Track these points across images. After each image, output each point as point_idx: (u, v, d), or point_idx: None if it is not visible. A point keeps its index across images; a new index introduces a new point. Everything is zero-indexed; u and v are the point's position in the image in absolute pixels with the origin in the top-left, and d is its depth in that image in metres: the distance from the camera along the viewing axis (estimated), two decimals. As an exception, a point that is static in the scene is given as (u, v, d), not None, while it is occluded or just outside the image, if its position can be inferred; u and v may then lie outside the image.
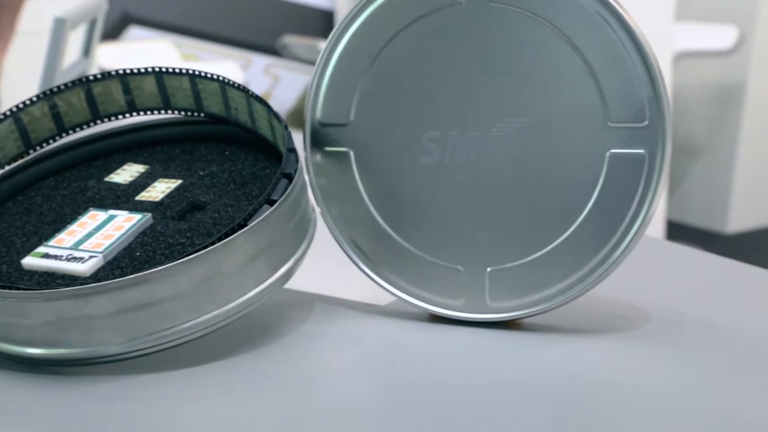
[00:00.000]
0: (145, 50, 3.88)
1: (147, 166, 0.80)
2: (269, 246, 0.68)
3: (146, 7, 4.14)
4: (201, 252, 0.64)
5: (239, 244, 0.66)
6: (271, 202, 0.68)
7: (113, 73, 0.78)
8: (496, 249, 0.71)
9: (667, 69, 2.98)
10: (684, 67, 3.58)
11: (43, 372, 0.66)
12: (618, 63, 0.67)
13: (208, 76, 0.77)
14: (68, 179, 0.80)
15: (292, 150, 0.71)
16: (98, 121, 0.81)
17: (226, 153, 0.79)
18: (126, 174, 0.79)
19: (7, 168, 0.79)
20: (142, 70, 0.78)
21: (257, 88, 4.31)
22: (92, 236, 0.70)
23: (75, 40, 1.59)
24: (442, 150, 0.71)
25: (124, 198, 0.75)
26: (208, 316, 0.66)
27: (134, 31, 4.15)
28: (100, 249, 0.68)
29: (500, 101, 0.69)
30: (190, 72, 0.78)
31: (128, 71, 0.78)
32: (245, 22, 4.43)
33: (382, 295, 0.77)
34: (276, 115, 0.73)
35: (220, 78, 0.77)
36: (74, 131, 0.81)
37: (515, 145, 0.70)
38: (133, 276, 0.63)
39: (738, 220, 3.76)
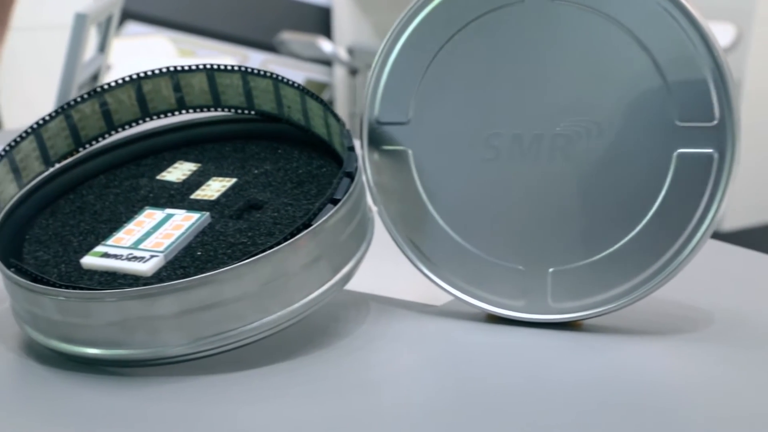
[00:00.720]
0: (141, 46, 3.87)
1: (199, 164, 0.78)
2: (332, 246, 0.67)
3: (143, 2, 4.12)
4: (267, 252, 0.63)
5: (304, 244, 0.65)
6: (335, 202, 0.67)
7: (164, 70, 0.77)
8: (558, 249, 0.70)
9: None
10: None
11: (102, 372, 0.66)
12: (686, 60, 0.66)
13: (261, 73, 0.76)
14: (119, 177, 0.78)
15: (352, 148, 0.70)
16: (147, 119, 0.80)
17: (279, 151, 0.78)
18: (178, 172, 0.78)
19: (57, 166, 0.78)
20: (193, 67, 0.77)
21: (253, 86, 4.28)
22: (151, 235, 0.69)
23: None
24: (504, 149, 0.70)
25: (178, 197, 0.74)
26: (273, 316, 0.65)
27: (131, 27, 4.13)
28: (161, 248, 0.67)
29: (564, 100, 0.69)
30: (243, 69, 0.77)
31: (179, 68, 0.77)
32: (242, 18, 4.42)
33: (437, 295, 0.76)
34: (333, 113, 0.72)
35: (274, 75, 0.76)
36: (123, 129, 0.80)
37: (579, 145, 0.69)
38: (200, 276, 0.62)
39: (735, 218, 3.76)
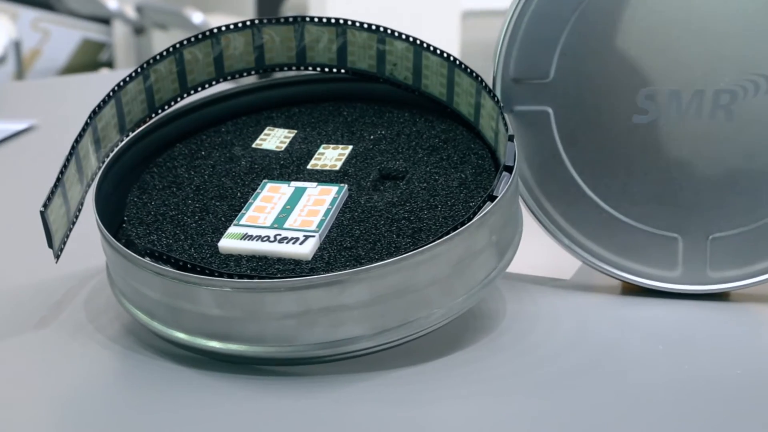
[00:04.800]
0: None
1: (294, 131, 0.69)
2: (506, 219, 0.60)
3: None
4: (461, 229, 0.55)
5: (491, 218, 0.57)
6: (509, 170, 0.60)
7: (247, 23, 0.67)
8: (718, 215, 0.65)
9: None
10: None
11: (262, 373, 0.56)
12: None
13: (363, 25, 0.67)
14: (204, 147, 0.68)
15: (502, 108, 0.63)
16: (220, 80, 0.69)
17: (387, 114, 0.69)
18: (274, 140, 0.68)
19: (131, 135, 0.67)
20: (282, 20, 0.68)
21: (25, 45, 4.03)
22: (291, 213, 0.60)
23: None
24: (659, 109, 0.65)
25: (292, 167, 0.65)
26: (458, 300, 0.57)
27: None
28: (312, 227, 0.58)
29: (729, 53, 0.63)
30: (341, 21, 0.68)
31: (264, 20, 0.68)
32: (10, -29, 4.14)
33: (560, 266, 0.70)
34: (462, 67, 0.65)
35: (380, 28, 0.67)
36: (195, 92, 0.69)
37: (745, 101, 0.64)
38: (396, 258, 0.53)
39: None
